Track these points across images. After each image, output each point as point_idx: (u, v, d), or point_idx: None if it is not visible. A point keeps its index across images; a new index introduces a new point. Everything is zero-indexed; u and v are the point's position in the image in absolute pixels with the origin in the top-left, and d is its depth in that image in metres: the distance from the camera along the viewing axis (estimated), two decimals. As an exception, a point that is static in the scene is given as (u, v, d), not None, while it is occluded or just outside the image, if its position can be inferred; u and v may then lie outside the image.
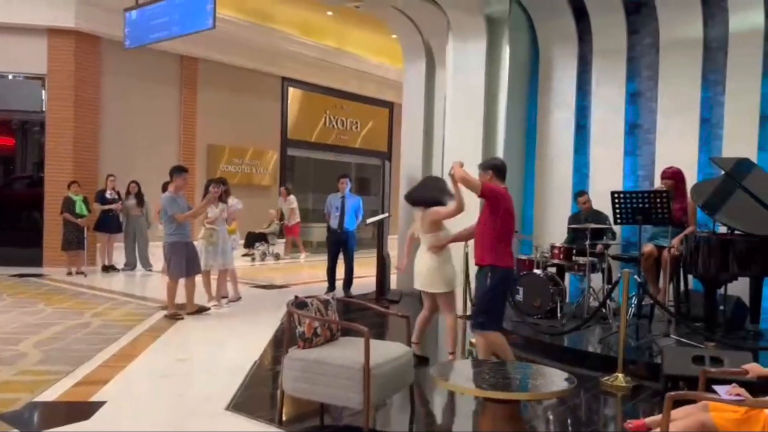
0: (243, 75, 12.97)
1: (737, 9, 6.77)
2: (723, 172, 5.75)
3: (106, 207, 10.40)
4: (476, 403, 4.21)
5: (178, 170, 7.14)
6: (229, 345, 6.04)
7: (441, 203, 5.06)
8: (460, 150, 7.62)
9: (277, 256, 13.18)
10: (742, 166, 5.77)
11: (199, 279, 7.27)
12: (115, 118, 11.22)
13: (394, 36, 10.58)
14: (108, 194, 10.48)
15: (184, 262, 6.89)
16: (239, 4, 11.78)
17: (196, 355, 5.71)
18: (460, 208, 4.89)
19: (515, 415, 3.31)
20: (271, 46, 12.92)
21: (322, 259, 9.52)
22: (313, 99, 14.69)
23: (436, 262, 5.09)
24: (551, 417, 4.29)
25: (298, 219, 13.44)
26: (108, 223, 10.47)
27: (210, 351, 5.81)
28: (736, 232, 5.42)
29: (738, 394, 2.84)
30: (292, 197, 13.35)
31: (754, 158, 6.38)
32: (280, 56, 13.26)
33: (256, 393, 4.49)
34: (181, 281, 7.00)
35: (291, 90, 14.15)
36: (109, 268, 10.56)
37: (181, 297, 7.03)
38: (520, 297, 6.68)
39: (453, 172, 4.54)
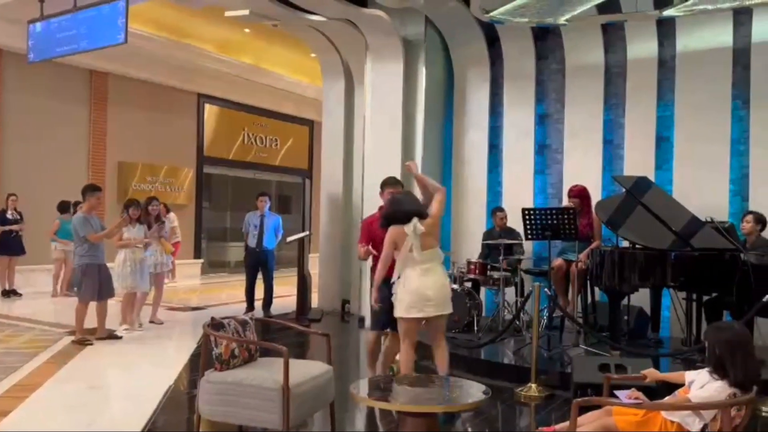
0: (157, 91, 12.61)
1: (634, 38, 7.29)
2: (624, 190, 6.14)
3: (7, 228, 9.80)
4: (396, 417, 4.25)
5: (91, 189, 6.86)
6: (142, 370, 5.81)
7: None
8: (380, 168, 7.73)
9: None
10: (641, 184, 6.18)
11: (114, 302, 6.99)
12: (18, 135, 10.62)
13: (312, 55, 10.63)
14: (9, 215, 9.87)
15: (96, 284, 6.61)
16: (153, 20, 11.48)
17: (107, 382, 5.46)
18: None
19: (434, 427, 3.37)
20: (187, 62, 12.65)
21: (241, 279, 9.36)
22: (231, 116, 14.47)
23: (447, 279, 4.59)
24: (469, 428, 4.40)
25: (178, 238, 12.30)
26: (8, 245, 9.86)
27: (122, 377, 5.57)
28: (637, 246, 5.78)
29: (636, 398, 3.04)
30: (172, 215, 12.26)
31: (651, 177, 6.85)
32: (196, 73, 13.00)
33: (172, 418, 4.35)
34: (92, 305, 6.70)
35: (207, 107, 13.88)
36: (9, 293, 9.93)
37: (91, 321, 6.71)
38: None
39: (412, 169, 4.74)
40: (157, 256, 7.63)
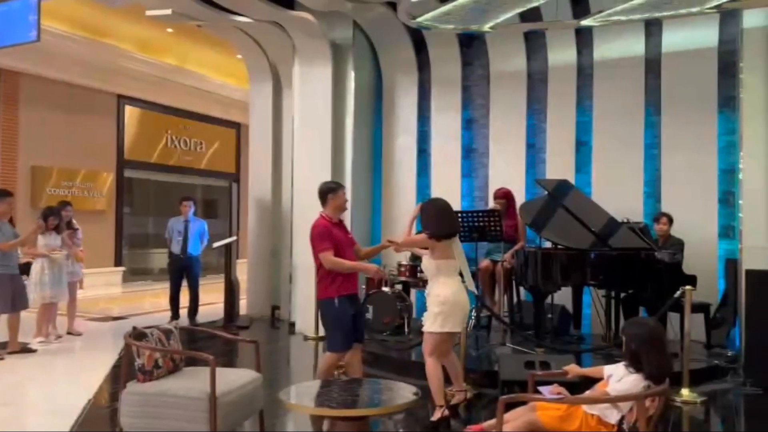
0: (73, 92, 12.05)
1: (554, 47, 7.56)
2: (546, 193, 6.35)
3: None
4: (328, 422, 4.22)
5: (0, 195, 6.48)
6: (59, 384, 5.53)
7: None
8: (309, 171, 7.68)
9: None
10: (562, 187, 6.42)
11: (27, 313, 6.61)
12: None
13: (239, 56, 10.44)
14: None
15: (9, 296, 6.24)
16: (69, 17, 10.98)
17: (21, 398, 5.16)
18: None
19: (365, 429, 3.37)
20: (105, 62, 12.16)
21: (165, 287, 9.06)
22: (153, 118, 14.01)
23: None
24: (400, 429, 4.42)
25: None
26: None
27: (37, 392, 5.28)
28: (559, 246, 5.99)
29: (559, 393, 3.14)
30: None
31: (572, 180, 7.11)
32: (115, 73, 12.51)
33: (91, 434, 4.16)
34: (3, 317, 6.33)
35: (128, 108, 13.38)
36: None
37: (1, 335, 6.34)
38: (369, 315, 6.82)
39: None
40: (69, 265, 7.29)
